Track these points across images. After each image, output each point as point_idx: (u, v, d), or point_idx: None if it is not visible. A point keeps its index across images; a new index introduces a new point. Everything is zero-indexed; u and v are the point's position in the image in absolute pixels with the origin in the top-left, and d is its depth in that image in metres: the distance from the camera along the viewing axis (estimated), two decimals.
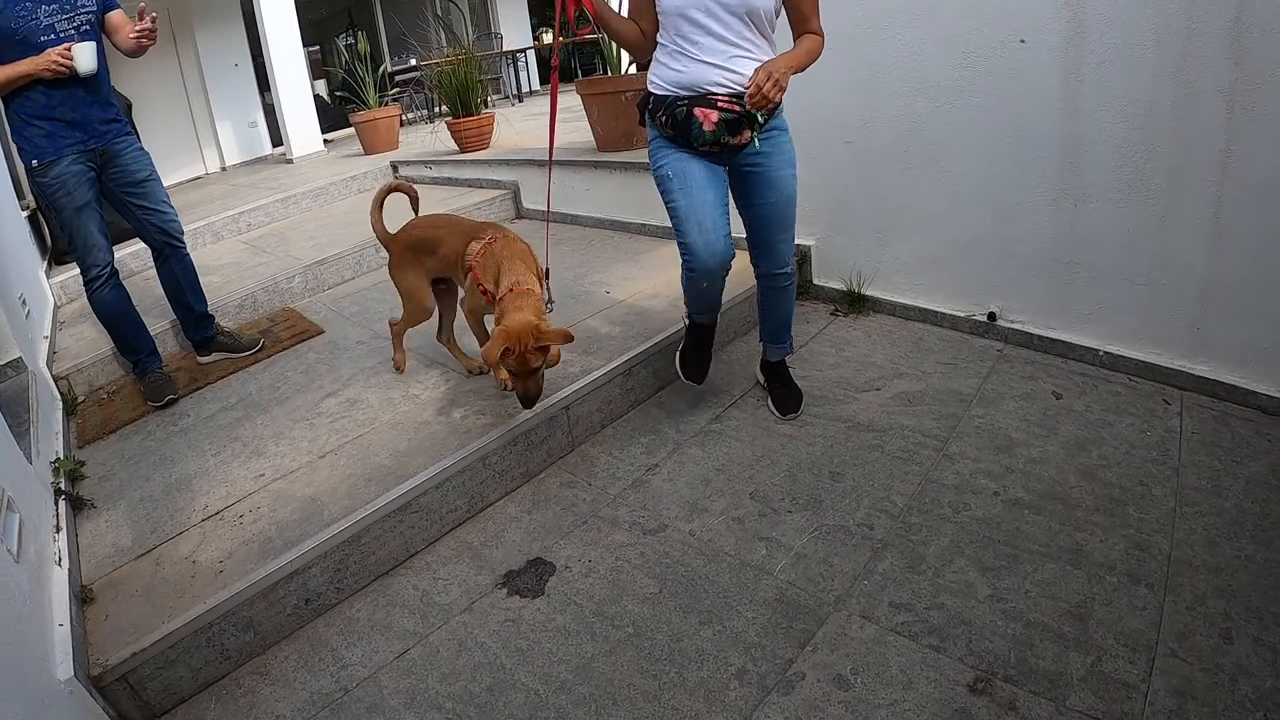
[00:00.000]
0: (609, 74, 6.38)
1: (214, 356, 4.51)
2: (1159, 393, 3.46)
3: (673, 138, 3.09)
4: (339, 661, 2.58)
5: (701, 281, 3.21)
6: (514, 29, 15.40)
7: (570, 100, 6.72)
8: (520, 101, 13.24)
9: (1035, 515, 2.81)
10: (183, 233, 4.30)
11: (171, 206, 4.23)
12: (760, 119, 2.96)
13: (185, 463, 3.48)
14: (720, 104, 2.93)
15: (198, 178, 10.12)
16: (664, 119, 3.05)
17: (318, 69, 12.08)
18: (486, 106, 8.68)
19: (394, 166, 8.16)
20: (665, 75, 3.05)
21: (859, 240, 4.39)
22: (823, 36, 3.00)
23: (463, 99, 7.67)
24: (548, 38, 16.18)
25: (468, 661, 2.51)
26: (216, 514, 3.07)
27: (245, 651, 2.63)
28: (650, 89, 3.15)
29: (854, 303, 4.54)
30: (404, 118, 10.87)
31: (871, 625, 2.45)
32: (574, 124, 7.47)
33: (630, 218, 5.90)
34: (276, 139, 10.62)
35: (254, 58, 10.41)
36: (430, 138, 8.63)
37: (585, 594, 2.72)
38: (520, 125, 9.08)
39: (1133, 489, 2.91)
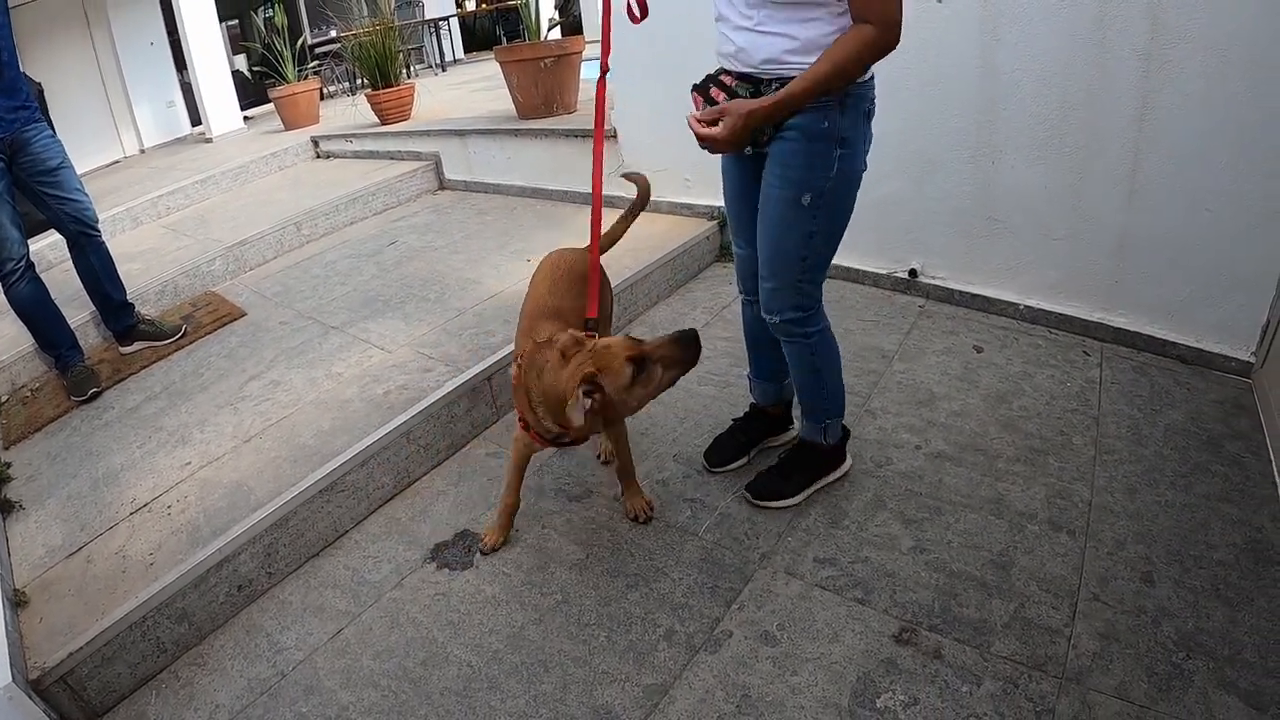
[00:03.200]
0: (529, 40, 6.31)
1: (136, 346, 4.41)
2: (1079, 344, 3.54)
3: None
4: (274, 646, 2.57)
5: (743, 310, 2.92)
6: None
7: (491, 68, 6.66)
8: (444, 70, 13.04)
9: (957, 467, 2.87)
10: (97, 221, 4.21)
11: (86, 194, 4.13)
12: None
13: (111, 456, 3.43)
14: (715, 88, 2.32)
15: (115, 162, 9.82)
16: None
17: (236, 44, 11.81)
18: (409, 77, 8.54)
19: (315, 142, 8.02)
20: None
21: None
22: (879, 24, 2.02)
23: (382, 70, 7.56)
24: (470, 4, 15.97)
25: (401, 638, 2.51)
26: (144, 506, 3.04)
27: (181, 643, 2.61)
28: None
29: None
30: (325, 91, 10.65)
31: (796, 581, 2.49)
32: (495, 92, 7.43)
33: (552, 185, 5.89)
34: (195, 118, 10.34)
35: (170, 34, 10.12)
36: (351, 110, 8.49)
37: (513, 564, 2.74)
38: (442, 95, 8.97)
39: (1053, 439, 2.98)
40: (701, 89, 2.35)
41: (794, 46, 2.13)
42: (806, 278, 2.47)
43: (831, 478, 2.89)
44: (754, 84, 2.25)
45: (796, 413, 2.90)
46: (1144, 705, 1.99)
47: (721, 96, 2.26)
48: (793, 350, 2.64)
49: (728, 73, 2.31)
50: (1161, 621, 2.21)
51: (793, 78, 2.15)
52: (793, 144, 2.28)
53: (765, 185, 2.41)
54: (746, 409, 3.12)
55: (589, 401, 2.14)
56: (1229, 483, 2.69)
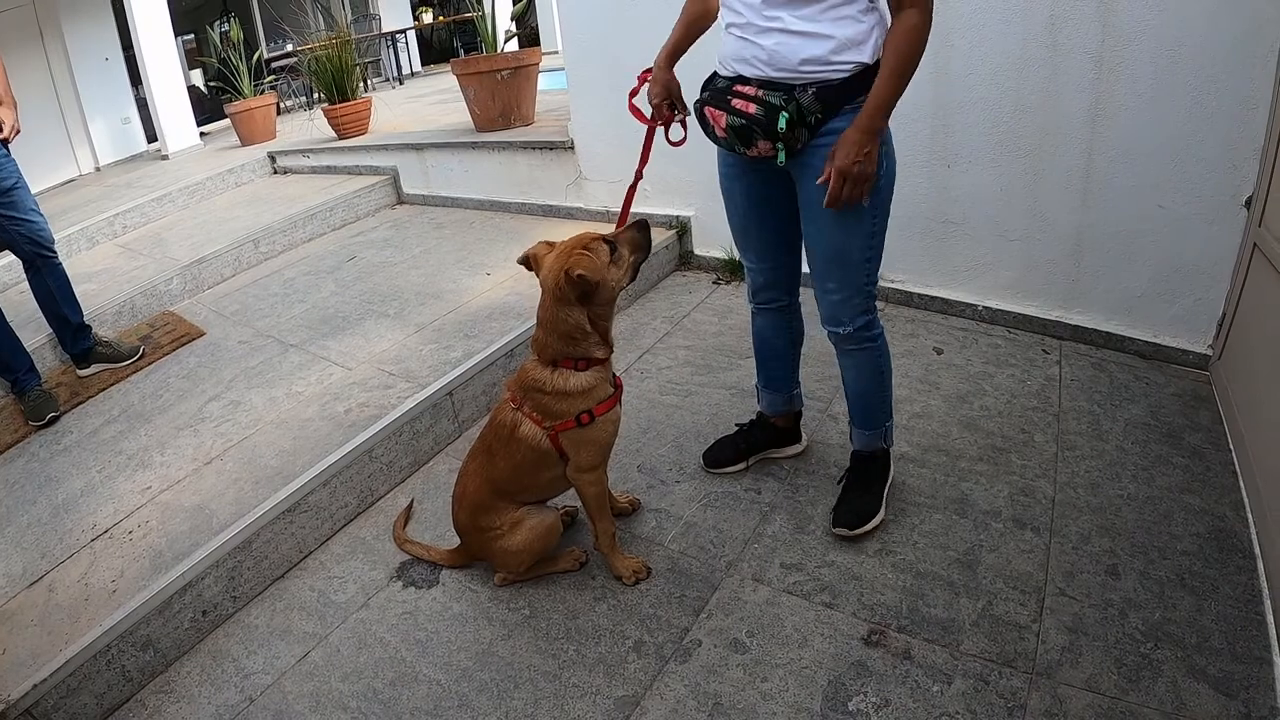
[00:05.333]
0: (485, 52, 6.30)
1: (94, 368, 4.34)
2: (1038, 343, 3.58)
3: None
4: (241, 671, 2.54)
5: (753, 320, 2.91)
6: (392, 9, 15.06)
7: (448, 81, 6.63)
8: (401, 84, 13.02)
9: (920, 469, 2.88)
10: (54, 241, 4.14)
11: (41, 214, 4.06)
12: (784, 124, 2.14)
13: (70, 482, 3.37)
14: (736, 99, 2.20)
15: (71, 180, 9.69)
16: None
17: (193, 59, 11.73)
18: (366, 90, 8.49)
19: (272, 157, 7.95)
20: (720, 41, 2.35)
21: None
22: (922, 9, 2.08)
23: (339, 84, 7.50)
24: (427, 17, 15.94)
25: (369, 658, 2.49)
26: (105, 532, 2.99)
27: (147, 671, 2.57)
28: None
29: (735, 270, 4.59)
30: (282, 105, 10.59)
31: (764, 588, 2.50)
32: (452, 105, 7.41)
33: (511, 197, 5.88)
34: (151, 134, 10.22)
35: (125, 50, 10.00)
36: (309, 125, 8.43)
37: (480, 579, 2.72)
38: (400, 109, 8.94)
39: (1015, 437, 3.01)
40: (717, 100, 2.25)
41: (834, 46, 2.09)
42: (870, 280, 2.44)
43: (892, 478, 2.83)
44: (784, 90, 2.15)
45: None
46: (1115, 696, 2.02)
47: (751, 108, 2.16)
48: (861, 358, 2.58)
49: (744, 80, 2.22)
50: (1128, 613, 2.24)
51: (832, 79, 2.13)
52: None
53: (807, 195, 2.34)
54: (753, 416, 3.08)
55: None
56: (1190, 474, 2.73)
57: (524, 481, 2.51)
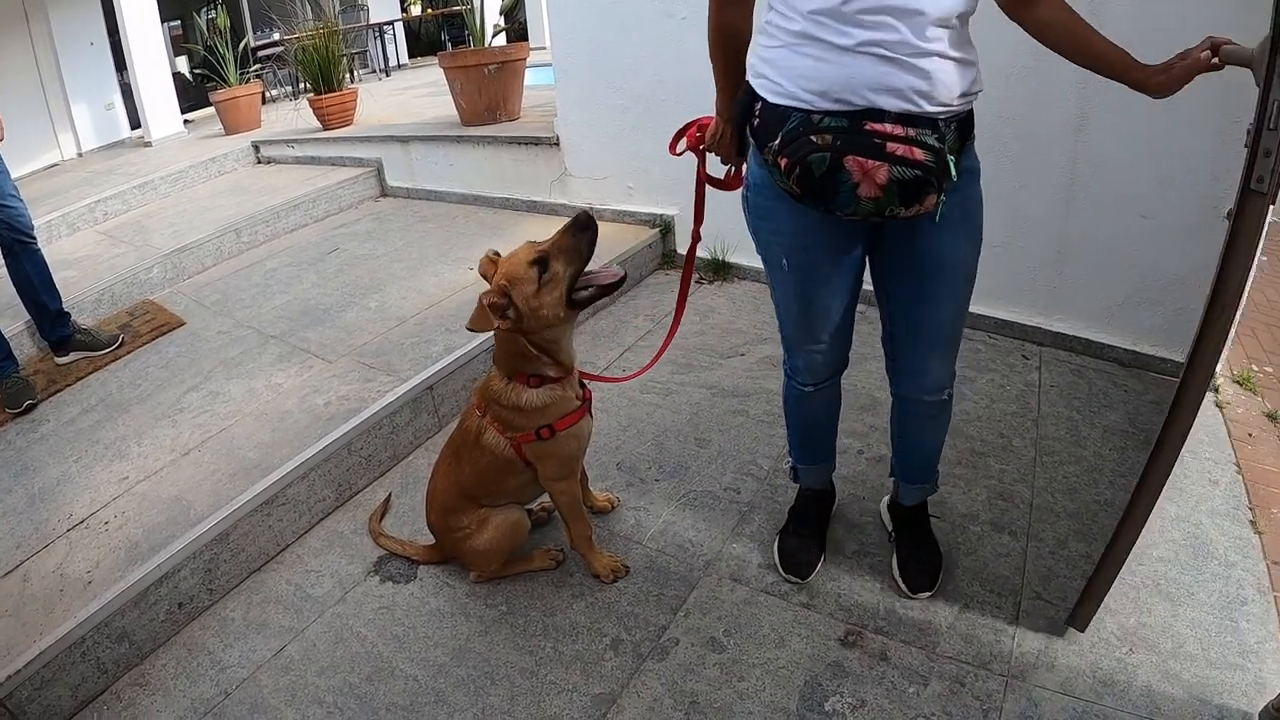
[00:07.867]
0: (473, 46, 6.29)
1: (72, 356, 4.31)
2: (1018, 349, 3.61)
3: (794, 194, 1.77)
4: (217, 664, 2.52)
5: (805, 403, 2.43)
6: (381, 0, 15.05)
7: (435, 74, 6.61)
8: (388, 75, 12.96)
9: None
10: (33, 227, 4.10)
11: (21, 200, 4.02)
12: (954, 170, 1.71)
13: (47, 471, 3.34)
14: (895, 144, 1.64)
15: (53, 165, 9.59)
16: (783, 161, 1.72)
17: (178, 45, 11.61)
18: (352, 81, 8.45)
19: (256, 147, 7.91)
20: (790, 65, 1.73)
21: (722, 207, 4.36)
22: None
23: (325, 75, 7.47)
24: (416, 9, 15.88)
25: (345, 653, 2.48)
26: (82, 522, 2.97)
27: (122, 663, 2.55)
28: (758, 88, 1.83)
29: (718, 270, 4.60)
30: (267, 94, 10.52)
31: (742, 587, 2.51)
32: (438, 98, 7.39)
33: (494, 192, 5.86)
34: (135, 121, 10.13)
35: (110, 34, 9.91)
36: (293, 115, 8.38)
37: (457, 575, 2.71)
38: (386, 100, 8.92)
39: (994, 441, 3.03)
40: (862, 146, 1.65)
41: (975, 74, 1.76)
42: None
43: None
44: (931, 127, 1.68)
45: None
46: (1090, 700, 2.04)
47: (918, 154, 1.64)
48: (944, 417, 2.34)
49: (877, 116, 1.65)
50: (1104, 618, 2.24)
51: (963, 112, 1.78)
52: (973, 190, 1.92)
53: (938, 253, 1.98)
54: (801, 498, 2.69)
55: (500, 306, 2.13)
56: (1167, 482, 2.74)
57: (489, 487, 2.49)
